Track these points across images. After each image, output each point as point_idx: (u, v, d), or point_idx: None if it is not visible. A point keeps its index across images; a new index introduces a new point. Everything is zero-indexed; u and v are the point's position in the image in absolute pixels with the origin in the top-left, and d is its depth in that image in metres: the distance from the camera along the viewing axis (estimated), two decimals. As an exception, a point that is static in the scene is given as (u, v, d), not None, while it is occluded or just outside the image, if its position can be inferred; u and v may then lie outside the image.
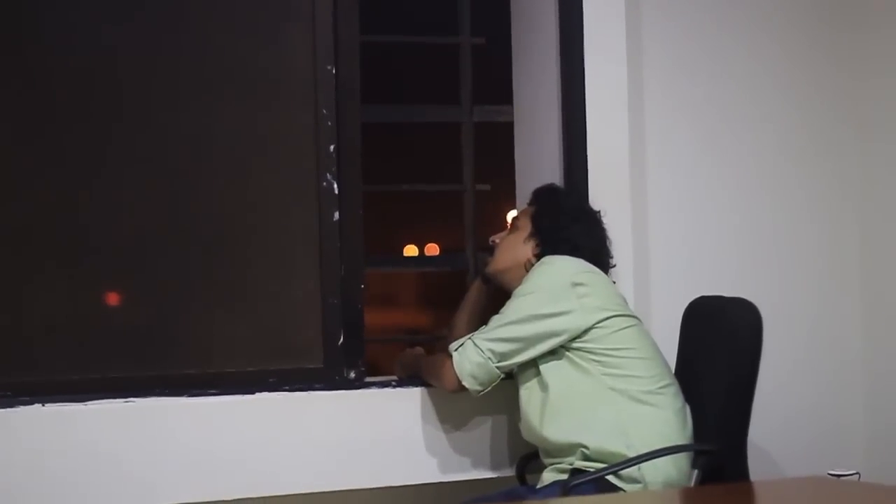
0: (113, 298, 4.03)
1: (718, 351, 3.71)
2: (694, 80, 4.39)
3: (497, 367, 3.63)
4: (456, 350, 3.66)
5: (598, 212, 3.96)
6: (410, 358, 4.08)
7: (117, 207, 3.93)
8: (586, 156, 4.17)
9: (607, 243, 3.93)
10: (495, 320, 3.68)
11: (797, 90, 4.51)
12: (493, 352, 3.62)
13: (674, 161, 4.35)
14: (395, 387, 3.99)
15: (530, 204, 3.98)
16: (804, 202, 4.51)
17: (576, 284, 3.64)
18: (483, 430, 4.02)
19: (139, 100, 3.96)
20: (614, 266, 3.94)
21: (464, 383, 3.64)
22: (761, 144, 4.46)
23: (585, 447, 3.56)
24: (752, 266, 4.42)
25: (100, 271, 3.94)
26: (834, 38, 4.53)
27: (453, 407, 3.95)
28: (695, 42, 4.39)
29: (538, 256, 3.83)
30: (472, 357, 3.63)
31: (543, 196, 3.98)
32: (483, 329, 3.68)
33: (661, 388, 3.63)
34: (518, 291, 3.71)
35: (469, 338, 3.66)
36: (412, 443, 3.95)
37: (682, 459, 3.60)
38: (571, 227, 3.85)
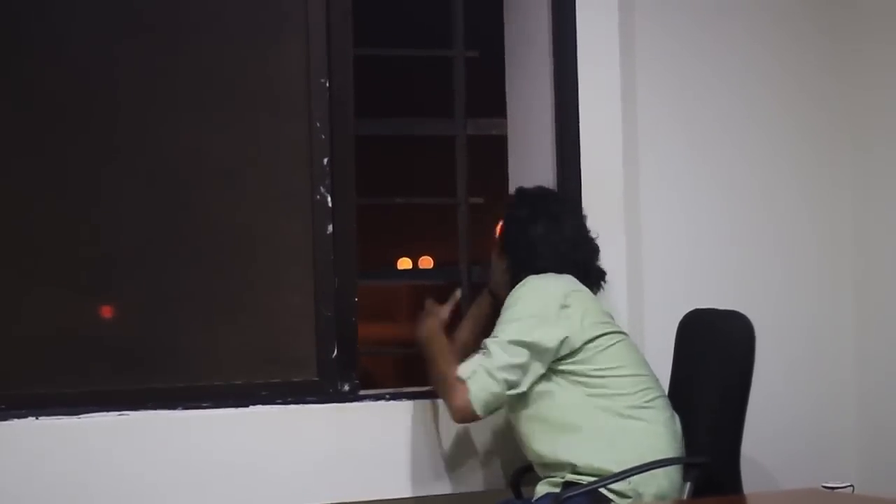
0: (107, 311, 4.03)
1: (711, 363, 3.72)
2: (688, 93, 4.39)
3: (507, 395, 3.60)
4: (469, 378, 3.58)
5: (566, 203, 3.93)
6: (431, 337, 3.86)
7: (110, 221, 3.93)
8: (580, 168, 4.17)
9: (579, 239, 3.86)
10: (498, 345, 3.60)
11: (792, 100, 4.50)
12: (506, 381, 3.57)
13: (667, 172, 4.35)
14: (388, 399, 3.99)
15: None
16: (798, 213, 4.50)
17: (563, 307, 3.62)
18: (477, 444, 4.02)
19: (133, 112, 3.97)
20: (597, 253, 3.91)
21: (478, 413, 3.58)
22: (756, 155, 4.45)
23: (575, 464, 3.57)
24: (746, 278, 4.42)
25: (93, 285, 3.94)
26: (829, 48, 4.53)
27: (447, 420, 3.95)
28: (689, 54, 4.39)
29: (512, 273, 3.81)
30: (490, 388, 3.56)
31: (507, 208, 3.94)
32: (488, 354, 3.60)
33: (648, 401, 3.63)
34: (506, 317, 3.66)
35: (480, 365, 3.58)
36: (406, 455, 3.95)
37: (674, 472, 3.60)
38: (531, 237, 3.80)
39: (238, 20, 4.06)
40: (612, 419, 3.59)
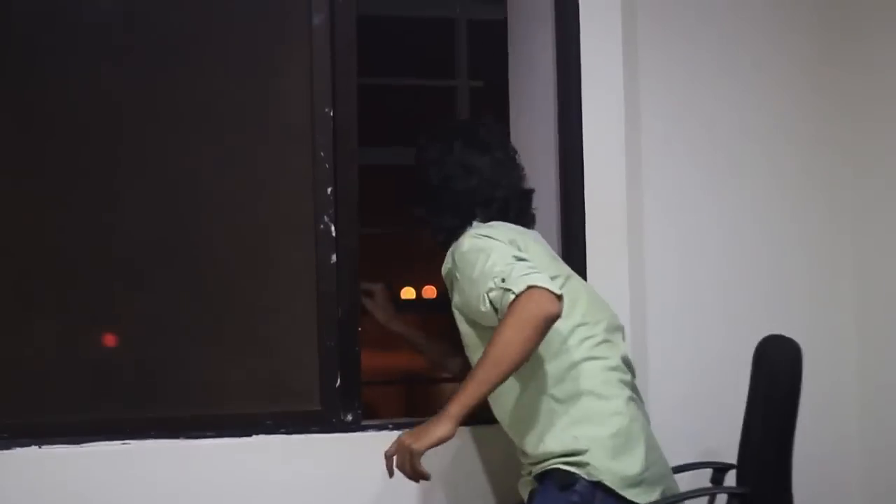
0: (109, 340, 4.03)
1: (760, 390, 3.68)
2: (692, 122, 4.39)
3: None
4: (511, 288, 3.26)
5: (477, 134, 3.77)
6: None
7: (112, 249, 3.94)
8: (584, 199, 4.17)
9: (496, 177, 3.70)
10: (505, 266, 3.34)
11: (797, 130, 4.50)
12: (528, 266, 3.33)
13: (671, 200, 4.35)
14: (391, 430, 3.98)
15: None
16: (801, 236, 4.49)
17: (514, 244, 3.48)
18: (483, 474, 4.00)
19: (136, 141, 3.97)
20: (519, 190, 3.80)
21: (555, 290, 3.25)
22: (758, 169, 4.44)
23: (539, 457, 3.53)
24: (748, 299, 4.42)
25: (96, 313, 3.94)
26: (835, 78, 4.52)
27: (452, 450, 3.94)
28: (693, 83, 4.40)
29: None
30: (540, 279, 3.26)
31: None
32: (505, 276, 3.32)
33: (594, 347, 3.53)
34: (480, 260, 3.42)
35: (513, 279, 3.28)
36: (410, 486, 3.93)
37: (635, 445, 3.50)
38: (432, 182, 3.71)
39: (242, 49, 4.06)
40: (555, 393, 3.49)
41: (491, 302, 3.35)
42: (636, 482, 3.45)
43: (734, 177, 4.44)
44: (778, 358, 3.64)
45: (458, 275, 3.54)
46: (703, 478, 3.90)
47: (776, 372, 3.62)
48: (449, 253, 3.63)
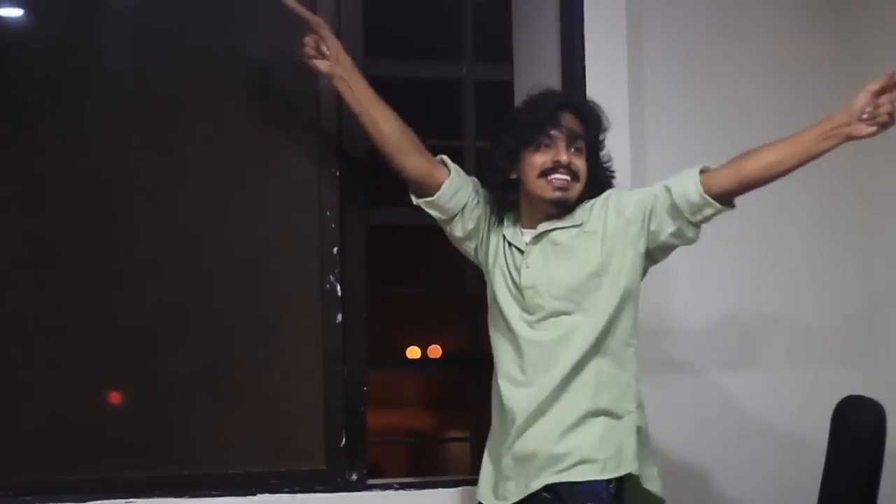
0: (114, 398, 4.03)
1: (840, 459, 3.57)
2: (697, 145, 4.38)
3: None
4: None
5: None
6: None
7: (119, 307, 3.94)
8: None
9: None
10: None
11: (800, 109, 4.46)
12: None
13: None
14: (397, 489, 3.98)
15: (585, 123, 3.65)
16: (808, 270, 4.49)
17: None
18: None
19: (142, 201, 3.99)
20: None
21: None
22: (765, 214, 4.42)
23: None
24: (753, 333, 4.40)
25: (101, 371, 3.94)
26: (838, 62, 4.53)
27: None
28: (699, 108, 4.39)
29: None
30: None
31: (598, 121, 3.67)
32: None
33: None
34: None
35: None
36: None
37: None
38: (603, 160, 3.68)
39: (251, 110, 4.08)
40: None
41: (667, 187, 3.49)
42: None
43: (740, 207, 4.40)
44: (859, 421, 3.53)
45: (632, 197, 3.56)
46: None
47: (858, 438, 3.51)
48: (604, 201, 3.57)
